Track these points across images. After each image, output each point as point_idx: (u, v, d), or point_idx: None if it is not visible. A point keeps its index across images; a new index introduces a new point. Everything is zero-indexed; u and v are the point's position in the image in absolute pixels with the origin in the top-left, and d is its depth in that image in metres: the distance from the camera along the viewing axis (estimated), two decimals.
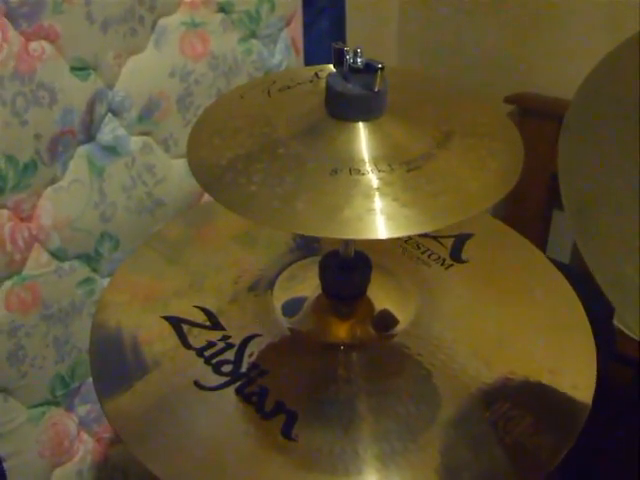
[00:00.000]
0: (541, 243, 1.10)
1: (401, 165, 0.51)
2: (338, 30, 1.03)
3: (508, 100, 1.10)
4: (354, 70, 0.52)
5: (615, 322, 1.00)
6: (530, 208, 1.08)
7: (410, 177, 0.50)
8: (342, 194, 0.49)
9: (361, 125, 0.53)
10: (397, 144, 0.53)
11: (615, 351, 0.93)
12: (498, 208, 0.76)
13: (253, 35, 0.92)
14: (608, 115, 0.48)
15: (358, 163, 0.51)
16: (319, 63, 0.99)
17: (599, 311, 0.66)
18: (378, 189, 0.49)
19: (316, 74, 0.60)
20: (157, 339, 0.62)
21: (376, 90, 0.51)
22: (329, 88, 0.53)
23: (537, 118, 1.08)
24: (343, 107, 0.52)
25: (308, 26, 0.99)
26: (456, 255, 0.68)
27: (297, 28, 0.97)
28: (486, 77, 1.15)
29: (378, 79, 0.50)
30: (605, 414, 0.58)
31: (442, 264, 0.68)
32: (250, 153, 0.53)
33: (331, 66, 0.56)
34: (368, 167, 0.50)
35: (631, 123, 0.46)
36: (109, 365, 0.61)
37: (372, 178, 0.50)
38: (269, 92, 0.58)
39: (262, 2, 0.92)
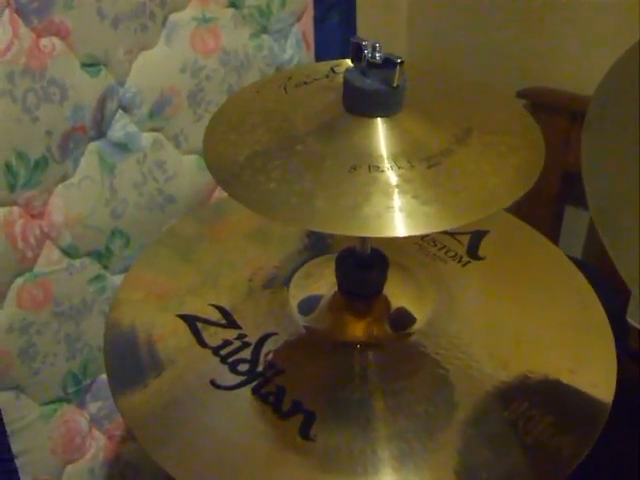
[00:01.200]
0: (553, 238, 1.09)
1: (421, 161, 0.50)
2: (348, 25, 1.02)
3: (520, 95, 1.09)
4: (372, 65, 0.51)
5: (628, 318, 0.99)
6: (542, 203, 1.07)
7: (430, 174, 0.49)
8: (361, 191, 0.48)
9: (379, 121, 0.52)
10: (416, 140, 0.52)
11: (628, 348, 0.92)
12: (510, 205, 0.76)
13: (264, 30, 0.92)
14: (630, 112, 0.48)
15: (377, 159, 0.50)
16: (330, 58, 0.99)
17: (611, 307, 0.65)
18: (397, 186, 0.48)
19: (332, 69, 0.59)
20: (172, 337, 0.61)
21: (395, 85, 0.50)
22: (347, 83, 0.52)
23: (549, 113, 1.07)
24: (361, 103, 0.52)
25: (319, 21, 0.98)
26: (473, 252, 0.68)
27: (308, 23, 0.97)
28: (497, 71, 1.14)
29: (397, 74, 0.50)
30: (617, 411, 0.58)
31: (459, 261, 0.67)
32: (268, 150, 0.52)
33: (347, 61, 0.55)
34: (387, 164, 0.50)
35: None
36: (124, 363, 0.60)
37: (391, 175, 0.49)
38: (285, 88, 0.58)
39: None
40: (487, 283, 0.66)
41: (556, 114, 1.07)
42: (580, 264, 0.69)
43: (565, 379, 0.57)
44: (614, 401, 0.56)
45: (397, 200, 0.48)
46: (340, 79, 0.54)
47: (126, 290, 0.67)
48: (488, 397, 0.56)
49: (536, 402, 0.55)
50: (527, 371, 0.58)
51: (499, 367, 0.58)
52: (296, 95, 0.57)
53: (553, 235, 1.10)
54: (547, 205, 1.09)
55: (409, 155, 0.50)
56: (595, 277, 0.69)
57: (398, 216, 0.47)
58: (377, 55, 0.51)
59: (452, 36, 1.20)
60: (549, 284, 0.66)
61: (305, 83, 0.58)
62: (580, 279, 0.65)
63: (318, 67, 0.60)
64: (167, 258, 0.70)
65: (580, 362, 0.59)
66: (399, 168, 0.49)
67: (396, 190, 0.48)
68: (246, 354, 0.59)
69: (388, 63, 0.50)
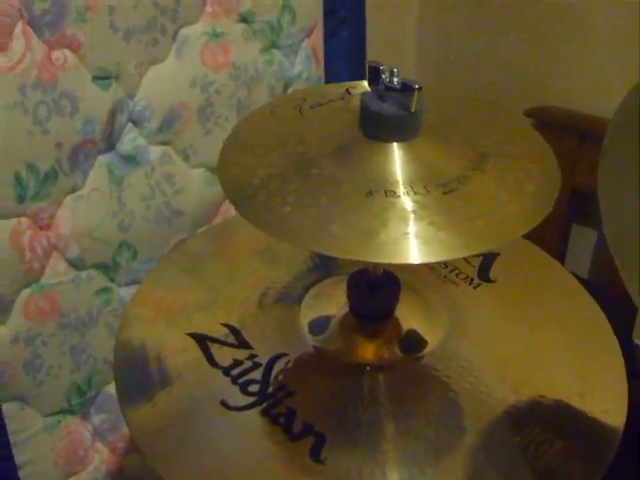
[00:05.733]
0: (560, 257, 1.09)
1: (437, 187, 0.50)
2: (358, 41, 1.03)
3: (527, 113, 1.09)
4: (390, 89, 0.51)
5: (635, 339, 0.99)
6: (549, 222, 1.07)
7: (446, 200, 0.49)
8: (378, 217, 0.48)
9: (395, 146, 0.52)
10: (432, 166, 0.52)
11: (635, 369, 0.92)
12: None
13: (274, 45, 0.92)
14: None
15: (393, 184, 0.50)
16: (339, 74, 1.00)
17: (617, 327, 0.65)
18: (414, 212, 0.48)
19: (347, 90, 0.59)
20: (182, 355, 0.61)
21: (412, 111, 0.50)
22: (364, 107, 0.52)
23: (556, 132, 1.08)
24: (378, 127, 0.52)
25: (329, 37, 0.99)
26: (484, 274, 0.68)
27: (318, 39, 0.97)
28: (505, 90, 1.14)
29: (415, 99, 0.50)
30: (625, 435, 0.58)
31: (470, 283, 0.67)
32: (283, 173, 0.52)
33: (363, 82, 0.55)
34: (403, 189, 0.50)
35: None
36: (133, 382, 0.60)
37: (408, 200, 0.49)
38: (300, 109, 0.58)
39: (283, 12, 0.91)
40: (498, 306, 0.66)
41: (564, 133, 1.07)
42: (587, 283, 0.69)
43: (576, 404, 0.57)
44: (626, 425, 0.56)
45: (414, 226, 0.48)
46: (355, 101, 0.54)
47: (136, 307, 0.67)
48: (499, 421, 0.56)
49: (547, 427, 0.55)
50: (538, 395, 0.58)
51: (510, 391, 0.58)
52: (311, 117, 0.57)
53: (560, 253, 1.10)
54: (554, 224, 1.09)
55: (425, 180, 0.50)
56: (601, 296, 0.69)
57: (414, 243, 0.47)
58: (395, 80, 0.51)
59: (460, 52, 1.20)
60: (559, 307, 0.66)
61: (320, 105, 0.58)
62: (589, 302, 0.66)
63: (333, 88, 0.60)
64: (176, 275, 0.70)
65: (590, 386, 0.59)
66: (415, 194, 0.49)
67: (412, 216, 0.48)
68: (257, 375, 0.59)
69: (406, 88, 0.50)
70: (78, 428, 0.89)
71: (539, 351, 0.62)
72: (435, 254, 0.48)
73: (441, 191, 0.50)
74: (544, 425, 0.56)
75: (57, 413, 0.86)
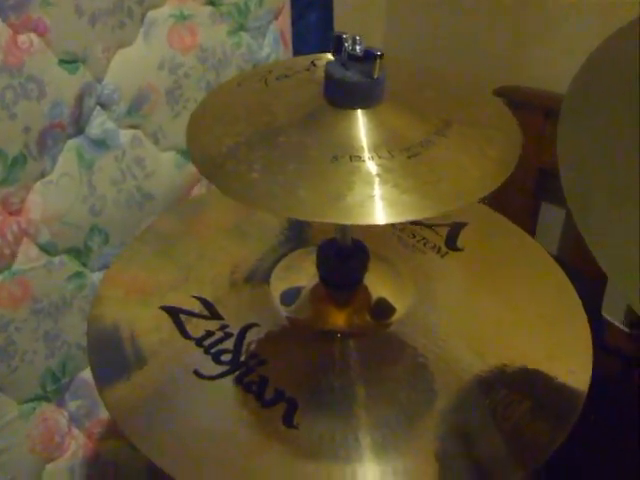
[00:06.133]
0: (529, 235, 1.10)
1: (401, 152, 0.51)
2: (326, 23, 1.03)
3: (496, 93, 1.10)
4: (353, 58, 0.52)
5: (604, 314, 1.01)
6: (518, 200, 1.09)
7: (410, 164, 0.50)
8: (343, 181, 0.49)
9: (360, 112, 0.53)
10: (396, 131, 0.53)
11: (604, 343, 0.93)
12: (486, 200, 0.78)
13: (242, 28, 0.92)
14: (606, 103, 0.49)
15: (358, 150, 0.51)
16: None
17: (587, 303, 0.66)
18: (379, 175, 0.49)
19: (313, 62, 0.60)
20: (155, 330, 0.61)
21: (375, 77, 0.51)
22: (328, 75, 0.53)
23: (525, 111, 1.08)
24: (342, 95, 0.52)
25: (296, 19, 0.99)
26: (452, 243, 0.69)
27: (286, 21, 0.97)
28: (473, 70, 1.15)
29: (377, 67, 0.51)
30: (597, 407, 0.59)
31: (438, 252, 0.68)
32: (250, 141, 0.53)
33: (328, 55, 0.56)
34: (368, 154, 0.50)
35: (630, 109, 0.46)
36: (107, 357, 0.61)
37: (372, 165, 0.50)
38: (266, 81, 0.58)
39: None
40: (466, 273, 0.66)
41: (531, 112, 1.08)
42: (556, 261, 0.70)
43: (542, 366, 0.58)
44: (594, 397, 0.57)
45: (378, 189, 0.48)
46: (321, 72, 0.55)
47: (107, 287, 0.67)
48: (468, 385, 0.57)
49: (514, 388, 0.56)
50: (506, 359, 0.58)
51: (478, 356, 0.59)
52: (277, 88, 0.58)
53: (529, 232, 1.11)
54: (523, 202, 1.10)
55: (389, 146, 0.51)
56: (570, 274, 0.70)
57: (380, 205, 0.48)
58: (357, 48, 0.51)
59: (429, 34, 1.21)
60: (527, 275, 0.67)
61: (286, 76, 0.58)
62: (557, 270, 0.67)
63: (299, 61, 0.61)
64: (147, 255, 0.70)
65: (557, 350, 0.60)
66: (380, 158, 0.50)
67: (377, 179, 0.49)
68: (229, 344, 0.59)
69: (368, 55, 0.51)
70: (54, 415, 0.89)
71: (507, 317, 0.63)
72: (399, 215, 0.48)
73: (405, 155, 0.51)
74: (511, 387, 0.57)
75: (32, 400, 0.86)
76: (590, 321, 0.63)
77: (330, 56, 0.55)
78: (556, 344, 0.60)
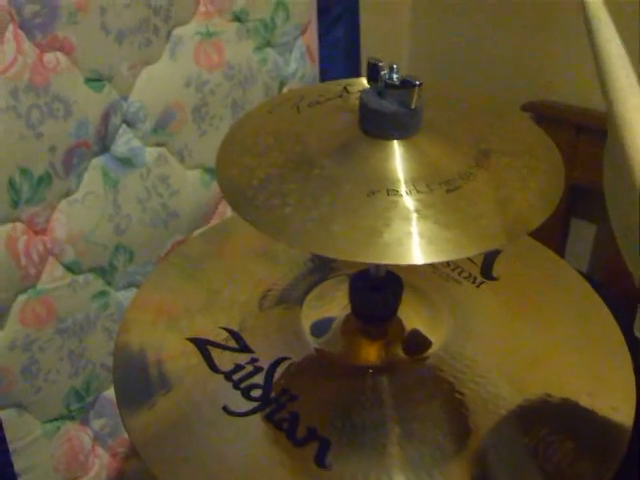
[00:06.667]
0: (559, 252, 1.08)
1: (440, 185, 0.49)
2: (353, 39, 1.02)
3: (524, 108, 1.08)
4: (389, 86, 0.50)
5: (637, 333, 0.98)
6: (548, 218, 1.07)
7: (450, 198, 0.48)
8: (380, 216, 0.47)
9: (396, 143, 0.51)
10: (434, 163, 0.51)
11: (637, 365, 0.91)
12: None
13: (268, 44, 0.91)
14: None
15: (395, 183, 0.49)
16: (334, 71, 0.99)
17: (618, 323, 0.64)
18: (417, 211, 0.47)
19: (345, 88, 0.58)
20: (182, 359, 0.60)
21: (412, 107, 0.50)
22: (363, 105, 0.51)
23: (554, 126, 1.07)
24: (378, 125, 0.51)
25: (323, 34, 0.98)
26: (487, 272, 0.67)
27: (312, 36, 0.96)
28: (501, 85, 1.13)
29: (415, 96, 0.49)
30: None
31: (473, 282, 0.66)
32: (282, 173, 0.51)
33: (360, 80, 0.54)
34: (406, 188, 0.49)
35: None
36: (133, 387, 0.59)
37: (410, 199, 0.48)
38: (298, 108, 0.57)
39: (277, 10, 0.90)
40: (502, 304, 0.65)
41: (561, 127, 1.06)
42: (586, 278, 0.68)
43: (584, 402, 0.56)
44: None
45: (417, 226, 0.47)
46: (353, 99, 0.53)
47: (135, 311, 0.66)
48: (506, 422, 0.55)
49: (556, 427, 0.54)
50: (545, 394, 0.57)
51: (517, 391, 0.57)
52: (309, 116, 0.56)
53: (559, 249, 1.09)
54: (553, 219, 1.08)
55: (428, 179, 0.49)
56: (601, 291, 0.68)
57: (419, 242, 0.46)
58: (394, 76, 0.50)
59: (455, 50, 1.19)
60: (564, 304, 0.65)
61: (318, 103, 0.57)
62: (594, 298, 0.65)
63: (330, 87, 0.59)
64: (175, 278, 0.69)
65: (598, 384, 0.58)
66: (418, 192, 0.49)
67: (416, 215, 0.47)
68: (259, 379, 0.58)
69: (406, 85, 0.49)
70: (78, 433, 0.88)
71: (545, 349, 0.61)
72: (440, 254, 0.47)
73: (444, 189, 0.49)
74: (552, 425, 0.55)
75: (56, 419, 0.85)
76: None
77: (363, 81, 0.53)
78: (598, 378, 0.58)
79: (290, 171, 0.51)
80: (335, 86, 0.59)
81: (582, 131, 1.05)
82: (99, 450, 0.91)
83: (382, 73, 0.50)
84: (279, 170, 0.51)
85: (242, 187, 0.51)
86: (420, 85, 0.49)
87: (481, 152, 0.52)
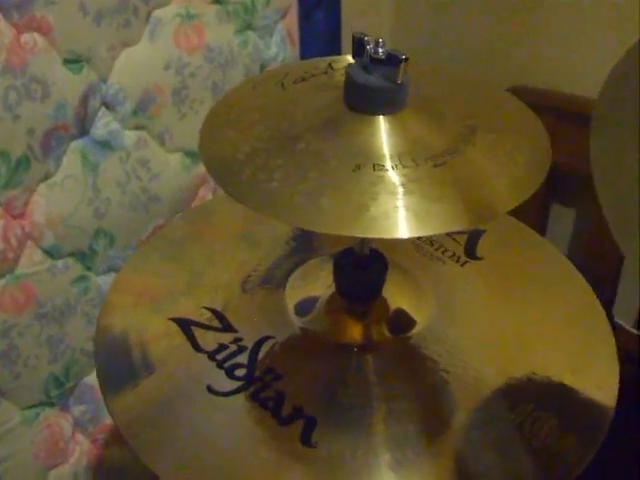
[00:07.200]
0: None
1: (426, 160, 0.49)
2: (333, 23, 1.02)
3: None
4: (375, 61, 0.49)
5: (617, 319, 0.99)
6: (529, 202, 1.07)
7: (436, 173, 0.48)
8: (367, 191, 0.47)
9: (382, 119, 0.51)
10: (421, 139, 0.51)
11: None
12: None
13: (249, 27, 0.90)
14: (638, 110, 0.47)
15: (381, 158, 0.49)
16: (315, 55, 0.98)
17: None
18: (403, 185, 0.47)
19: (330, 65, 0.58)
20: (165, 340, 0.60)
21: (399, 82, 0.49)
22: (348, 80, 0.51)
23: (535, 112, 1.07)
24: (364, 100, 0.50)
25: (304, 18, 0.97)
26: (471, 252, 0.67)
27: (293, 20, 0.96)
28: (481, 71, 1.13)
29: (401, 71, 0.48)
30: None
31: (457, 261, 0.66)
32: (268, 147, 0.51)
33: (346, 57, 0.54)
34: (392, 162, 0.48)
35: None
36: (116, 369, 0.59)
37: (396, 174, 0.48)
38: (283, 85, 0.56)
39: None
40: (486, 284, 0.64)
41: (542, 113, 1.06)
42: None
43: (568, 381, 0.56)
44: None
45: (404, 199, 0.47)
46: (339, 76, 0.53)
47: (116, 294, 0.65)
48: (492, 400, 0.55)
49: (541, 403, 0.54)
50: (530, 373, 0.57)
51: (501, 369, 0.57)
52: (294, 92, 0.56)
53: (539, 232, 1.09)
54: (533, 203, 1.08)
55: (414, 154, 0.49)
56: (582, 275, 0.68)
57: (405, 216, 0.46)
58: (380, 50, 0.49)
59: (437, 35, 1.19)
60: (547, 283, 0.65)
61: (303, 80, 0.56)
62: (578, 278, 0.65)
63: (315, 63, 0.59)
64: (156, 261, 0.69)
65: (582, 363, 0.58)
66: (404, 167, 0.48)
67: (402, 189, 0.47)
68: (243, 358, 0.57)
69: (392, 59, 0.49)
70: (58, 420, 0.87)
71: (529, 328, 0.61)
72: (427, 227, 0.47)
73: (431, 164, 0.49)
74: (538, 402, 0.55)
75: (35, 405, 0.84)
76: None
77: (348, 58, 0.53)
78: (581, 356, 0.59)
79: (276, 146, 0.51)
80: (320, 62, 0.59)
81: (562, 116, 1.05)
82: (79, 437, 0.91)
83: (368, 47, 0.50)
84: (265, 145, 0.51)
85: (227, 162, 0.50)
86: (406, 60, 0.48)
87: (468, 128, 0.52)
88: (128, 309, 0.63)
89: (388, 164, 0.48)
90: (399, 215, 0.46)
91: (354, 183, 0.48)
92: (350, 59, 0.52)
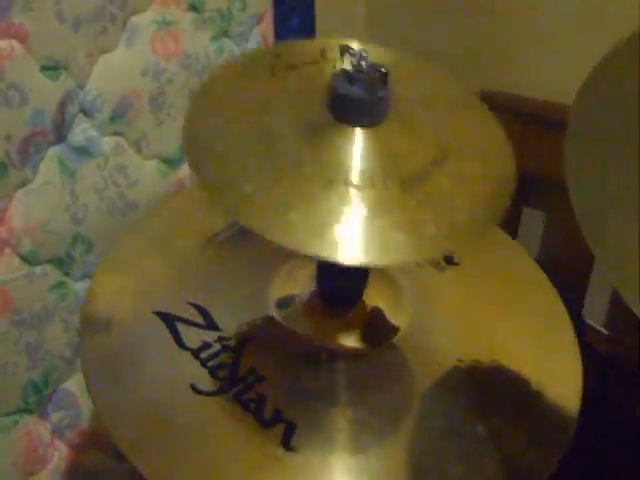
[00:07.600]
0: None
1: (395, 183, 0.49)
2: (308, 28, 1.02)
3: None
4: (358, 72, 0.50)
5: (586, 319, 1.01)
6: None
7: (403, 198, 0.49)
8: (334, 210, 0.48)
9: (360, 131, 0.51)
10: (395, 156, 0.52)
11: (585, 346, 0.94)
12: None
13: (225, 34, 0.91)
14: (614, 118, 0.48)
15: (353, 174, 0.50)
16: None
17: (567, 307, 0.66)
18: (371, 209, 0.48)
19: (322, 52, 0.57)
20: (150, 338, 0.60)
21: (379, 95, 0.50)
22: (332, 89, 0.51)
23: (503, 116, 1.08)
24: (344, 110, 0.51)
25: (279, 24, 0.98)
26: (449, 257, 0.68)
27: (268, 26, 0.96)
28: (451, 73, 1.15)
29: (380, 84, 0.49)
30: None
31: (437, 266, 0.67)
32: (248, 144, 0.51)
33: (340, 42, 0.55)
34: (362, 181, 0.49)
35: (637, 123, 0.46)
36: (100, 364, 0.59)
37: (366, 195, 0.49)
38: (273, 70, 0.56)
39: (233, 0, 0.90)
40: (462, 289, 0.66)
41: (510, 118, 1.07)
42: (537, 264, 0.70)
43: (534, 392, 0.58)
44: None
45: (370, 225, 0.48)
46: (329, 66, 0.54)
47: (99, 285, 0.65)
48: (462, 410, 0.56)
49: (509, 416, 0.56)
50: (500, 383, 0.58)
51: (475, 379, 0.58)
52: (282, 81, 0.55)
53: (511, 236, 1.11)
54: None
55: (386, 173, 0.50)
56: (551, 277, 0.70)
57: (369, 244, 0.47)
58: (362, 63, 0.50)
59: (410, 40, 1.20)
60: (519, 291, 0.67)
61: (294, 67, 0.56)
62: (548, 287, 0.66)
63: (308, 47, 0.59)
64: (139, 253, 0.69)
65: (549, 374, 0.59)
66: (373, 187, 0.49)
67: (368, 213, 0.48)
68: (226, 358, 0.57)
69: (372, 70, 0.50)
70: (36, 427, 0.87)
71: (501, 337, 0.62)
72: (384, 257, 0.48)
73: (399, 188, 0.49)
74: (506, 414, 0.56)
75: (14, 412, 0.84)
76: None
77: (343, 44, 0.54)
78: (549, 368, 0.60)
79: (255, 142, 0.51)
80: (313, 46, 0.58)
81: (531, 121, 1.07)
82: (58, 442, 0.90)
83: (352, 58, 0.50)
84: (245, 140, 0.51)
85: (206, 151, 0.50)
86: (386, 74, 0.49)
87: (440, 150, 0.52)
88: (111, 301, 0.63)
89: (359, 181, 0.49)
90: (362, 242, 0.47)
91: (324, 200, 0.48)
92: (344, 43, 0.54)
